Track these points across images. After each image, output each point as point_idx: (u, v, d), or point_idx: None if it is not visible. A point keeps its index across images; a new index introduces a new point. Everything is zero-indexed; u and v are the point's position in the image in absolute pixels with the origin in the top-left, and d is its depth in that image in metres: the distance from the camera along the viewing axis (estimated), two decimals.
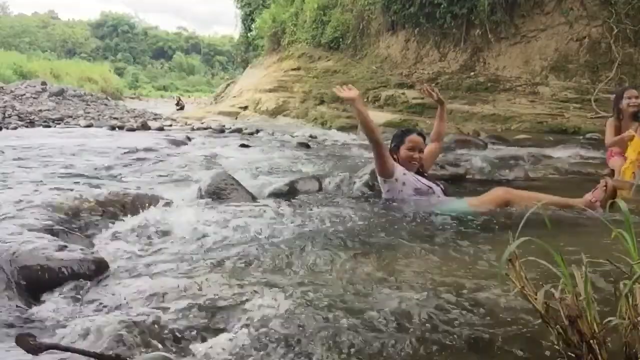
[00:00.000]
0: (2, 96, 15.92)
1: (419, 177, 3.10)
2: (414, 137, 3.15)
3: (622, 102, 4.21)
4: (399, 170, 3.05)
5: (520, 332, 1.30)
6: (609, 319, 1.06)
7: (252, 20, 19.88)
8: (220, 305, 1.46)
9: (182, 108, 23.95)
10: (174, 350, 1.24)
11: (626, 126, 4.16)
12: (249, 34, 20.57)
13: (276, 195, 3.22)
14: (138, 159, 4.81)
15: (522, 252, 1.14)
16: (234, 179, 3.12)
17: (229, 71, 49.51)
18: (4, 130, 8.72)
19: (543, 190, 3.26)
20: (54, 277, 1.64)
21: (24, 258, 1.65)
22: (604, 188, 2.71)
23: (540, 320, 1.12)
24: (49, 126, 10.16)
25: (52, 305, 1.50)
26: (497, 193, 2.88)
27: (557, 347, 1.13)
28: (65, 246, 1.81)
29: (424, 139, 3.20)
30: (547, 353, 1.18)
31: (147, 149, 5.48)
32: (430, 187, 3.06)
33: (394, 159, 3.11)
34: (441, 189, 3.12)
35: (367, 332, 1.31)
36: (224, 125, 10.36)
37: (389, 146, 3.19)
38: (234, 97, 16.03)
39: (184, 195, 3.12)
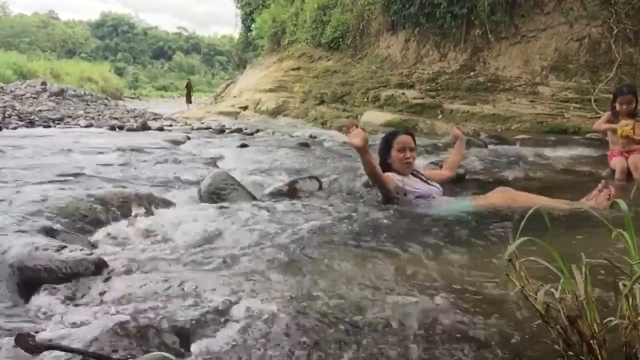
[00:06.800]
0: (2, 96, 15.92)
1: (417, 182, 3.07)
2: (401, 137, 3.08)
3: (616, 105, 4.33)
4: (397, 182, 2.99)
5: (520, 332, 1.30)
6: (609, 319, 1.06)
7: (252, 20, 19.90)
8: (221, 306, 1.46)
9: (189, 93, 23.55)
10: (174, 350, 1.24)
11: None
12: (249, 34, 20.59)
13: (276, 195, 3.21)
14: (138, 159, 4.81)
15: (522, 252, 1.14)
16: (234, 179, 3.12)
17: (229, 71, 49.49)
18: (4, 130, 8.72)
19: (543, 190, 3.26)
20: (54, 277, 1.63)
21: (24, 258, 1.65)
22: (608, 196, 2.68)
23: (540, 320, 1.12)
24: (49, 126, 10.16)
25: (52, 306, 1.50)
26: (502, 193, 2.87)
27: (557, 347, 1.13)
28: (65, 246, 1.80)
29: (413, 136, 3.14)
30: (547, 353, 1.18)
31: (147, 149, 5.48)
32: (430, 193, 3.03)
33: (387, 165, 3.07)
34: (440, 190, 3.10)
35: (367, 333, 1.31)
36: (224, 125, 10.36)
37: (377, 155, 3.14)
38: (234, 97, 16.03)
39: (184, 195, 3.12)
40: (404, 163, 3.04)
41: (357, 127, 2.81)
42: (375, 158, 3.02)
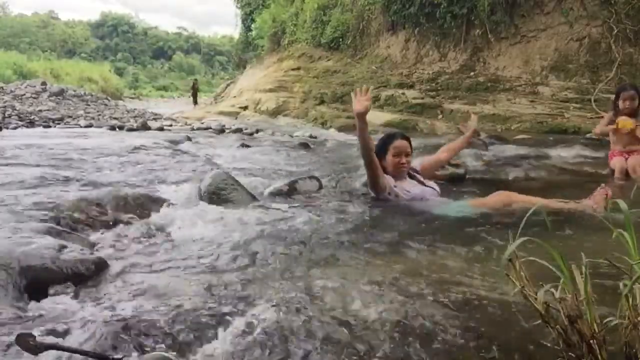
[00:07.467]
0: (2, 96, 15.93)
1: (410, 185, 3.06)
2: (397, 142, 3.06)
3: (619, 103, 4.33)
4: (390, 183, 3.00)
5: (520, 332, 1.30)
6: (609, 319, 1.06)
7: (252, 20, 19.91)
8: (221, 306, 1.46)
9: (196, 93, 23.51)
10: (174, 350, 1.24)
11: None
12: (249, 34, 20.60)
13: (276, 195, 3.22)
14: (138, 159, 4.81)
15: (522, 252, 1.14)
16: (234, 179, 3.12)
17: (229, 71, 49.46)
18: (4, 130, 8.72)
19: (543, 191, 3.26)
20: (54, 277, 1.63)
21: (24, 258, 1.65)
22: (605, 196, 2.69)
23: (540, 320, 1.12)
24: (49, 126, 10.15)
25: (52, 305, 1.50)
26: (500, 197, 2.86)
27: (557, 347, 1.13)
28: (65, 246, 1.80)
29: (409, 140, 3.12)
30: (547, 353, 1.18)
31: (147, 149, 5.48)
32: (424, 195, 3.03)
33: (382, 168, 3.05)
34: (436, 191, 3.10)
35: (367, 333, 1.31)
36: (224, 125, 10.36)
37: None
38: (234, 97, 16.04)
39: (184, 195, 3.12)
40: (398, 168, 3.04)
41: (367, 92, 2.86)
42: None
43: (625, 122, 4.19)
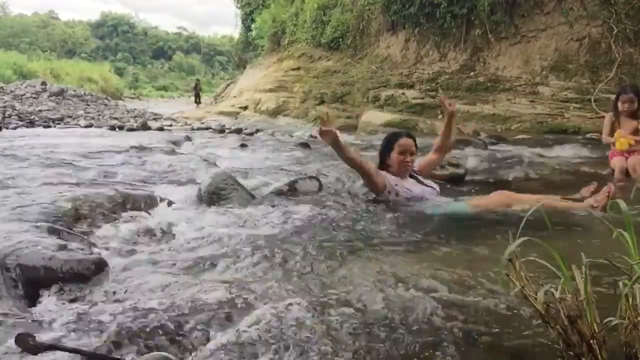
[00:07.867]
0: (2, 96, 15.93)
1: (411, 184, 3.07)
2: (403, 140, 3.06)
3: (618, 104, 4.37)
4: (390, 181, 3.01)
5: (520, 332, 1.30)
6: (609, 319, 1.06)
7: (252, 20, 19.91)
8: (220, 306, 1.46)
9: (198, 95, 23.55)
10: (174, 350, 1.24)
11: (624, 123, 4.35)
12: (249, 34, 20.60)
13: (276, 195, 3.21)
14: (138, 159, 4.81)
15: (522, 252, 1.14)
16: (234, 179, 3.12)
17: (229, 71, 49.43)
18: (4, 130, 8.71)
19: (543, 191, 3.26)
20: (54, 276, 1.63)
21: (24, 257, 1.65)
22: (607, 194, 2.68)
23: (540, 320, 1.12)
24: (49, 126, 10.15)
25: (52, 305, 1.50)
26: (498, 197, 2.86)
27: (557, 347, 1.13)
28: (65, 246, 1.80)
29: (414, 140, 3.12)
30: (547, 353, 1.18)
31: (147, 149, 5.48)
32: (424, 194, 3.04)
33: (386, 165, 3.07)
34: (436, 191, 3.10)
35: (366, 332, 1.31)
36: (224, 125, 10.36)
37: (377, 153, 3.16)
38: (234, 97, 16.04)
39: (184, 195, 3.12)
40: (402, 166, 3.04)
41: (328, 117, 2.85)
42: (349, 148, 3.04)
43: (622, 141, 4.23)
